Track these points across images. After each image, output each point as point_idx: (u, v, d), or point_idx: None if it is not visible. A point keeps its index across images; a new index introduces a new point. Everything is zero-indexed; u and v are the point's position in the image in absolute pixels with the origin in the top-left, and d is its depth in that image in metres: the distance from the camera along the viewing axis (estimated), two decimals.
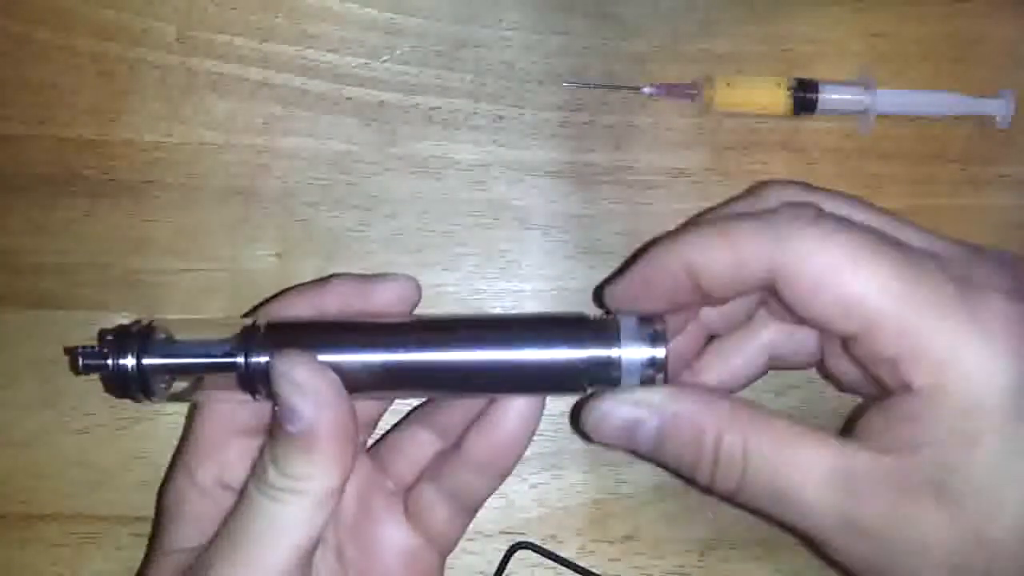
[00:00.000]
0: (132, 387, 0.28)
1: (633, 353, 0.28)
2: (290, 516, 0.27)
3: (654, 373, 0.28)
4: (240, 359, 0.28)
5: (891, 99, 0.36)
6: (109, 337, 0.28)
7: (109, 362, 0.28)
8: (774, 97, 0.36)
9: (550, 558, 0.35)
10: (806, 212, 0.27)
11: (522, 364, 0.28)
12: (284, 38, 0.37)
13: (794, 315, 0.27)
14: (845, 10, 0.37)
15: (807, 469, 0.26)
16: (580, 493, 0.36)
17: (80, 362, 0.28)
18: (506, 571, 0.35)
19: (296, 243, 0.36)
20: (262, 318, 0.29)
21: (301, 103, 0.37)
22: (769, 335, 0.32)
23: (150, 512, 0.35)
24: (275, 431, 0.27)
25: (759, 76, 0.36)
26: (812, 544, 0.28)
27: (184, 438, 0.31)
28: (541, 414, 0.30)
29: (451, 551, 0.32)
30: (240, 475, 0.29)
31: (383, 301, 0.30)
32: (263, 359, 0.28)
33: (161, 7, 0.37)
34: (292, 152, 0.36)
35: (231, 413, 0.30)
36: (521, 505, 0.36)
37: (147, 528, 0.35)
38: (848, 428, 0.28)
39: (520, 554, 0.35)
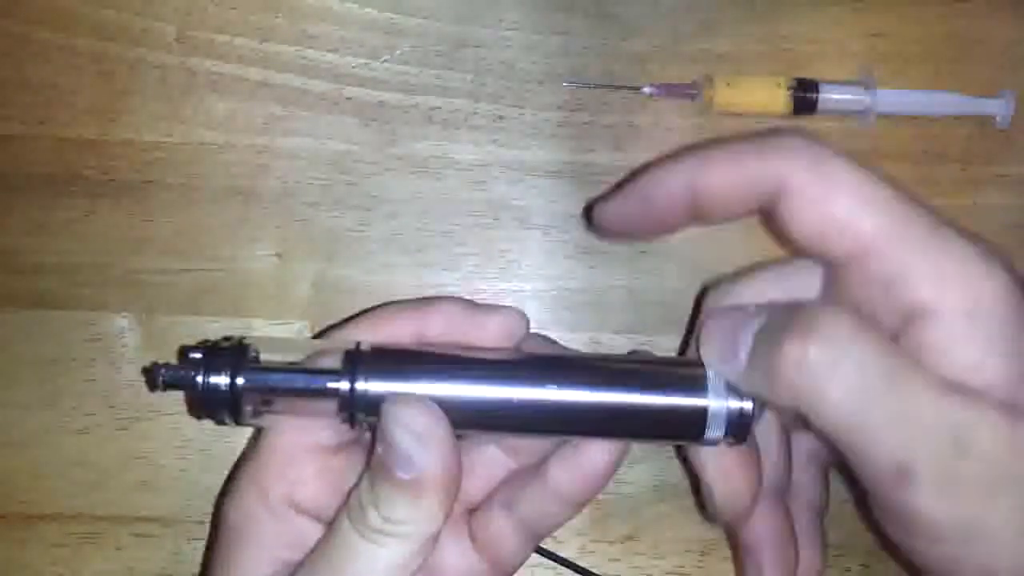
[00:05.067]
0: (222, 408, 0.27)
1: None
2: (389, 559, 0.26)
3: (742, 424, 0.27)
4: (343, 385, 0.26)
5: (891, 99, 0.36)
6: (195, 355, 0.27)
7: (199, 380, 0.26)
8: (774, 97, 0.36)
9: (550, 558, 0.35)
10: (810, 136, 0.27)
11: (634, 411, 0.27)
12: (284, 38, 0.37)
13: (790, 238, 0.27)
14: (845, 10, 0.37)
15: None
16: None
17: (160, 379, 0.27)
18: None
19: (296, 243, 0.36)
20: (364, 341, 0.28)
21: (301, 103, 0.37)
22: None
23: (150, 512, 0.35)
24: (379, 472, 0.26)
25: (759, 76, 0.36)
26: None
27: (252, 452, 0.29)
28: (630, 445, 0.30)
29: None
30: (314, 496, 0.28)
31: (493, 333, 0.29)
32: (369, 387, 0.26)
33: (161, 7, 0.37)
34: (292, 152, 0.36)
35: (308, 429, 0.29)
36: None
37: (147, 528, 0.35)
38: None
39: None
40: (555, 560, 0.35)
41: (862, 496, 0.26)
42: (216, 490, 0.35)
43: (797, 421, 0.26)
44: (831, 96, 0.36)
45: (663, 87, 0.36)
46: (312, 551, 0.27)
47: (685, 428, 0.27)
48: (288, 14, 0.37)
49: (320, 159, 0.36)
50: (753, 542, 0.30)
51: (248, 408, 0.27)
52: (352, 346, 0.27)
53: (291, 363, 0.28)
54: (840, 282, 0.26)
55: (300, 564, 0.27)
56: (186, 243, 0.36)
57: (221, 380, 0.26)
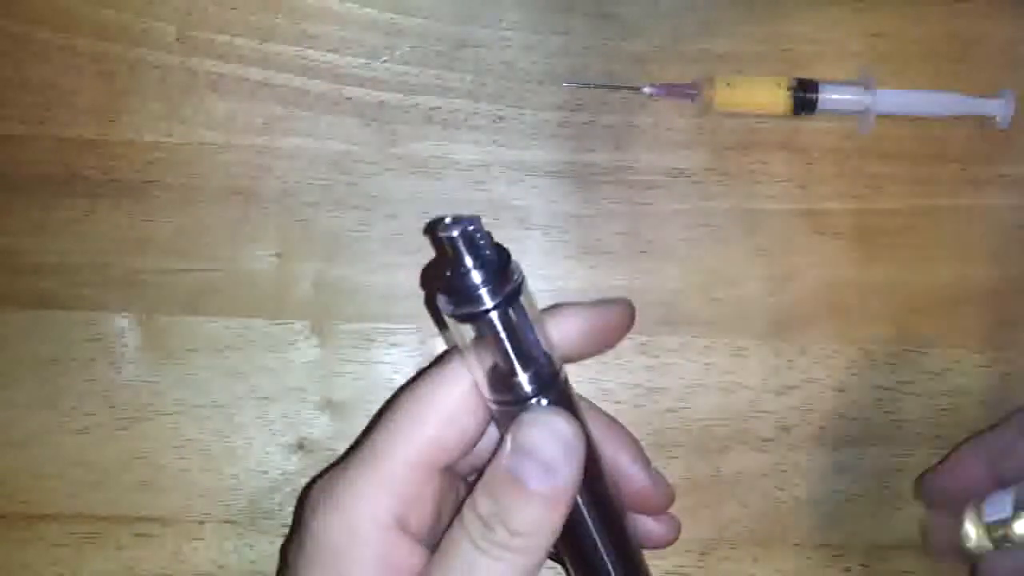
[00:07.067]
0: (465, 306, 0.24)
1: None
2: (511, 574, 0.25)
3: None
4: (528, 389, 0.25)
5: (891, 99, 0.36)
6: (486, 250, 0.24)
7: (478, 277, 0.24)
8: (774, 97, 0.36)
9: (550, 558, 0.35)
10: None
11: None
12: (284, 38, 0.37)
13: None
14: (845, 10, 0.37)
15: None
16: None
17: (454, 234, 0.23)
18: None
19: (296, 243, 0.36)
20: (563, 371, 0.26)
21: (301, 103, 0.37)
22: None
23: (150, 512, 0.35)
24: (506, 484, 0.24)
25: (759, 76, 0.36)
26: None
27: (364, 467, 0.26)
28: None
29: None
30: (422, 517, 0.26)
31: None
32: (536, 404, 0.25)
33: (161, 7, 0.37)
34: (292, 152, 0.36)
35: (439, 443, 0.26)
36: None
37: (147, 527, 0.35)
38: None
39: None
40: (555, 560, 0.35)
41: None
42: (216, 490, 0.35)
43: None
44: (831, 96, 0.36)
45: (663, 87, 0.36)
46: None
47: None
48: (288, 14, 0.37)
49: (320, 159, 0.36)
50: None
51: (458, 327, 0.25)
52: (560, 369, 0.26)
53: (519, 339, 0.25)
54: None
55: None
56: (186, 243, 0.36)
57: (488, 298, 0.24)
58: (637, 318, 0.36)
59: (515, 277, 0.24)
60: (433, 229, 0.24)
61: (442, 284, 0.24)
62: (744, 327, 0.36)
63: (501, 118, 0.37)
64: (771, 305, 0.36)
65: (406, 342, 0.36)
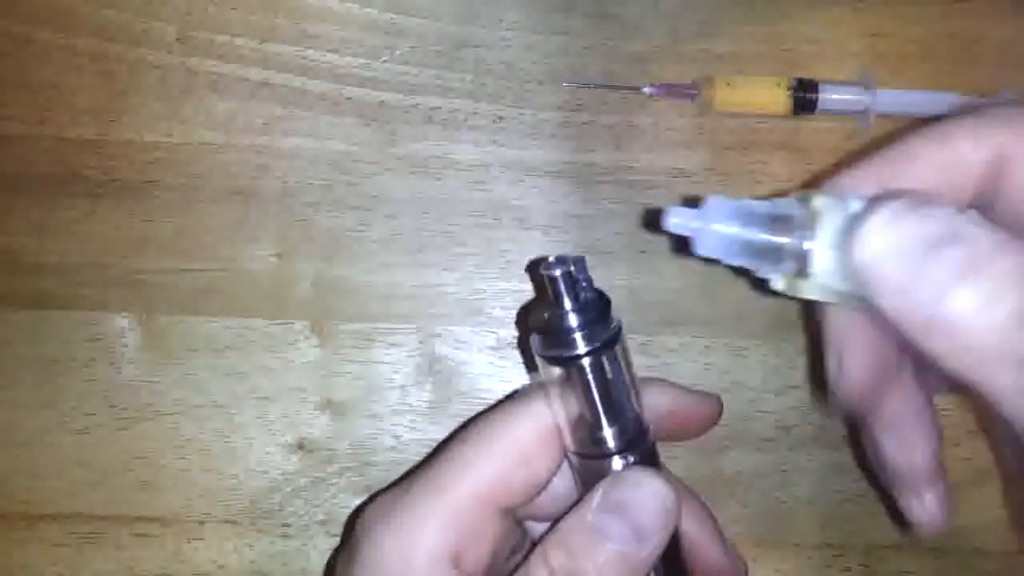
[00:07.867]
0: (558, 349, 0.24)
1: None
2: None
3: None
4: (612, 447, 0.24)
5: (891, 99, 0.36)
6: (586, 291, 0.24)
7: (577, 320, 0.23)
8: (774, 97, 0.36)
9: None
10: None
11: None
12: (284, 38, 0.37)
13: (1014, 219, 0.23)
14: (845, 10, 0.37)
15: None
16: None
17: (562, 276, 0.23)
18: None
19: (296, 243, 0.36)
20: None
21: (301, 103, 0.37)
22: None
23: (150, 512, 0.35)
24: (583, 539, 0.23)
25: (759, 76, 0.36)
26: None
27: (427, 500, 0.25)
28: None
29: None
30: (478, 559, 0.25)
31: None
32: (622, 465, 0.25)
33: (161, 7, 0.37)
34: (292, 152, 0.36)
35: (507, 482, 0.25)
36: None
37: (147, 527, 0.35)
38: None
39: None
40: None
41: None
42: (216, 490, 0.35)
43: None
44: (831, 96, 0.36)
45: (663, 87, 0.36)
46: None
47: None
48: (288, 14, 0.37)
49: (320, 159, 0.36)
50: (892, 419, 0.27)
51: (548, 369, 0.24)
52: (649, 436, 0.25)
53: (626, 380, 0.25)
54: None
55: None
56: (186, 243, 0.36)
57: (582, 343, 0.23)
58: (637, 318, 0.36)
59: (612, 326, 0.24)
60: (536, 267, 0.24)
61: (537, 323, 0.24)
62: (744, 327, 0.36)
63: (501, 118, 0.37)
64: (771, 305, 0.36)
65: (406, 342, 0.36)
